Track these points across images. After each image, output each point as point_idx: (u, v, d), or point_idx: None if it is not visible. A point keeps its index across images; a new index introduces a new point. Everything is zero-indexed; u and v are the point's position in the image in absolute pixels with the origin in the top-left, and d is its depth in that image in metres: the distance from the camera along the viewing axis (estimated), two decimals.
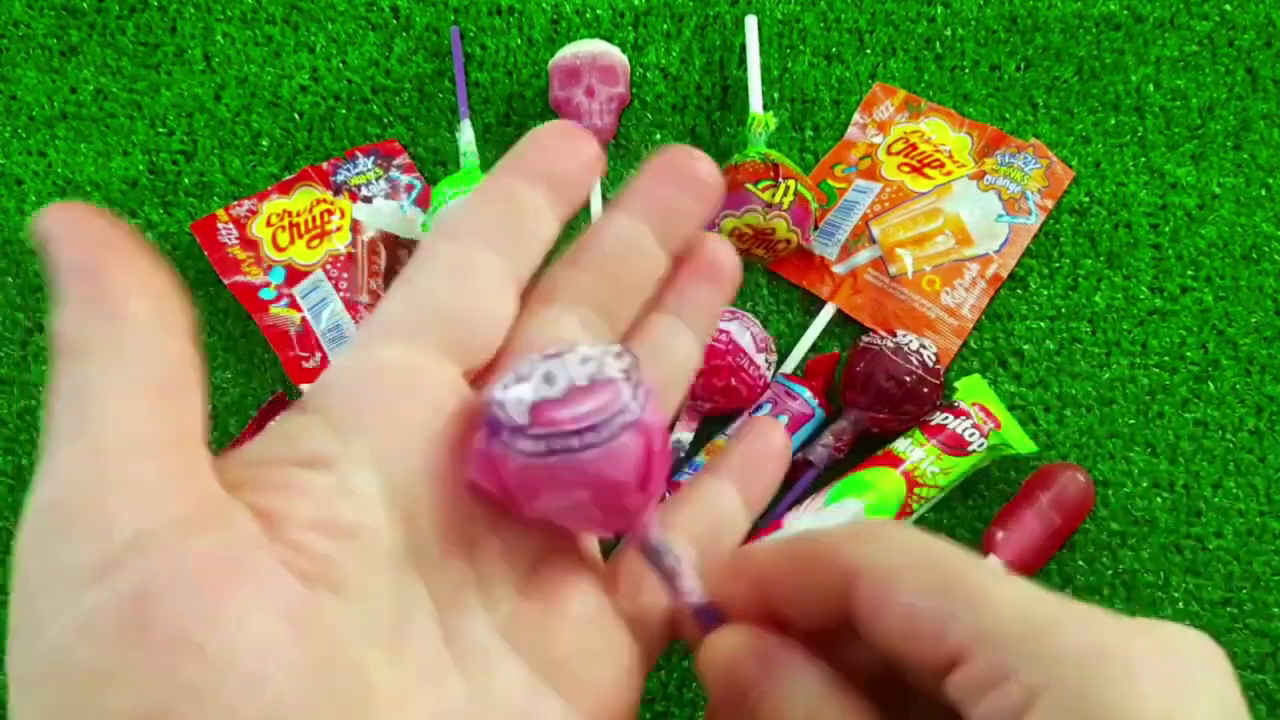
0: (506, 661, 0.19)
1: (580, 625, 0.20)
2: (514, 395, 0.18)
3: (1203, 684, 0.15)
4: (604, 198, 0.60)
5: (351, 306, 0.57)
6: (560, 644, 0.19)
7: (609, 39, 0.62)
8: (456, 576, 0.19)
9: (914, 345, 0.53)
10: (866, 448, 0.54)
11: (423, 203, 0.60)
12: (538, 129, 0.21)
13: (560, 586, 0.20)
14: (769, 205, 0.53)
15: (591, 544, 0.22)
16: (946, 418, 0.52)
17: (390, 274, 0.58)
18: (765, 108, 0.60)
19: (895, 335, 0.54)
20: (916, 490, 0.51)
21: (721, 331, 0.53)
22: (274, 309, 0.57)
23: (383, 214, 0.59)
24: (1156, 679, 0.15)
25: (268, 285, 0.58)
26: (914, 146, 0.61)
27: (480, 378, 0.20)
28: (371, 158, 0.61)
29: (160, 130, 0.62)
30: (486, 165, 0.60)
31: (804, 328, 0.57)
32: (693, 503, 0.23)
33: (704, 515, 0.22)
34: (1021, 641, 0.15)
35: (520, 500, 0.18)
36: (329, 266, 0.58)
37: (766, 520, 0.53)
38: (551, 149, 0.21)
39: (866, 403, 0.52)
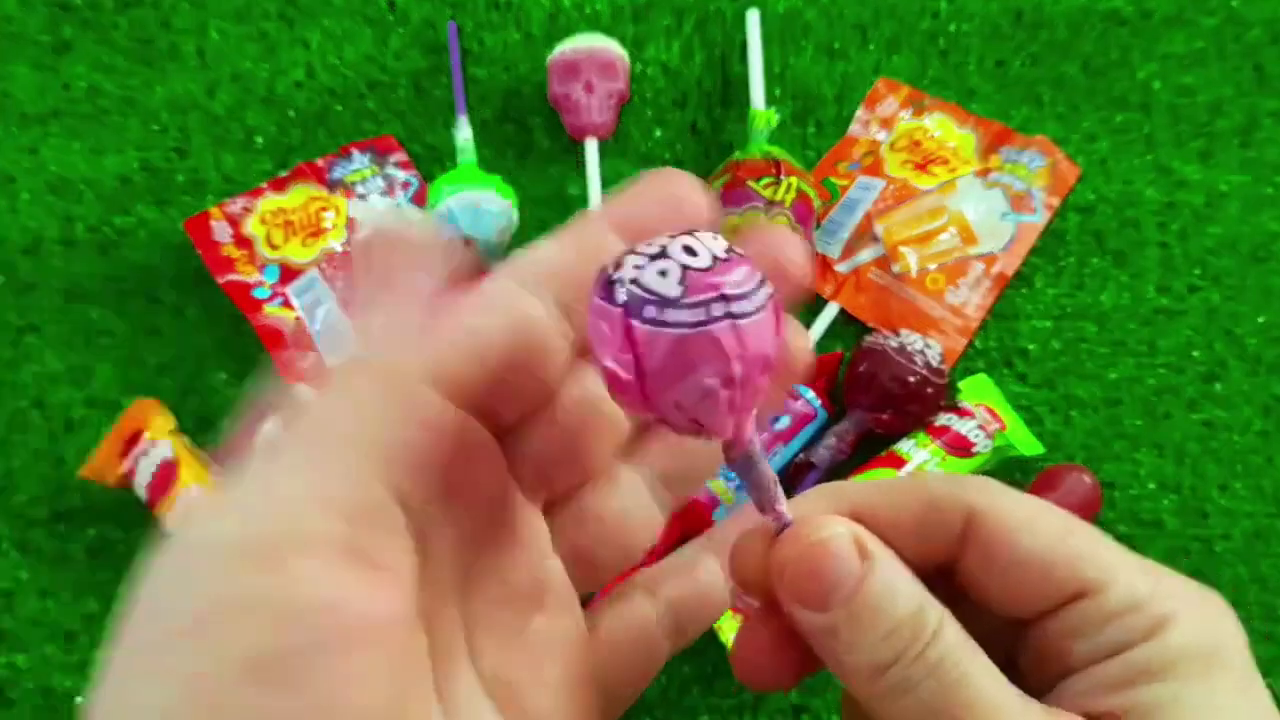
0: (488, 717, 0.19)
1: (558, 687, 0.20)
2: (654, 269, 0.16)
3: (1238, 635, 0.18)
4: (604, 195, 0.59)
5: (347, 305, 0.57)
6: (539, 704, 0.19)
7: (608, 34, 0.61)
8: (451, 625, 0.18)
9: (918, 345, 0.52)
10: (870, 449, 0.53)
11: (419, 200, 0.59)
12: (651, 175, 0.19)
13: (545, 640, 0.20)
14: (770, 203, 0.52)
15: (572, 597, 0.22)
16: (951, 418, 0.52)
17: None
18: (767, 104, 0.59)
19: (899, 335, 0.53)
20: None
21: None
22: (268, 308, 0.56)
23: (378, 211, 0.58)
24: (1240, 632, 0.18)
25: (261, 284, 0.57)
26: (918, 143, 0.60)
27: (515, 429, 0.19)
28: (367, 154, 0.60)
29: (154, 127, 0.62)
30: (484, 162, 0.60)
31: (806, 327, 0.57)
32: (678, 571, 0.23)
33: (689, 583, 0.23)
34: (1150, 578, 0.18)
35: (655, 388, 0.16)
36: (324, 265, 0.57)
37: None
38: (660, 202, 0.19)
39: (870, 403, 0.52)
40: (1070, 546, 0.18)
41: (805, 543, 0.18)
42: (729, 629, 0.47)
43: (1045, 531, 0.18)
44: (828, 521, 0.18)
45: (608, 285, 0.17)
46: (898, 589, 0.18)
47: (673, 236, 0.17)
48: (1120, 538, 0.57)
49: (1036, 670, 0.18)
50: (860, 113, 0.62)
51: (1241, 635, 0.18)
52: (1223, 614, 0.18)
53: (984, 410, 0.52)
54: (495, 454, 0.19)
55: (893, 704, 0.17)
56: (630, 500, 0.22)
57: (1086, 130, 0.61)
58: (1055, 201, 0.58)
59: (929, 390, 0.51)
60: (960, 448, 0.51)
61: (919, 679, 0.17)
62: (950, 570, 0.19)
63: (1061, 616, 0.18)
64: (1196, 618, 0.17)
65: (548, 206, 0.60)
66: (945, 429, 0.51)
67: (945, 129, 0.61)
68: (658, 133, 0.62)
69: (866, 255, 0.58)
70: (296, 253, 0.58)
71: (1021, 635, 0.19)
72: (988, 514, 0.18)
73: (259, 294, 0.56)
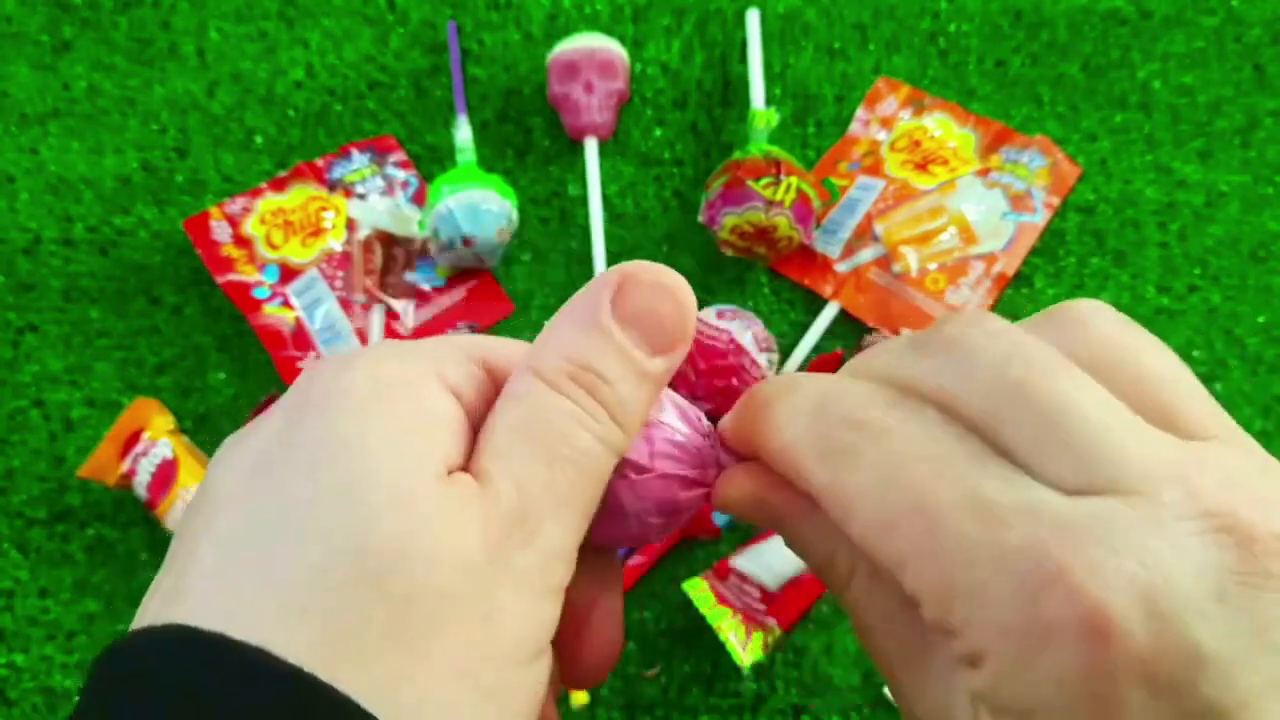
0: None
1: None
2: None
3: None
4: (603, 195, 0.59)
5: (346, 305, 0.56)
6: None
7: (608, 34, 0.61)
8: None
9: None
10: None
11: (419, 200, 0.59)
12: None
13: None
14: (770, 203, 0.52)
15: None
16: None
17: (385, 272, 0.58)
18: (767, 103, 0.59)
19: (899, 335, 0.53)
20: None
21: (722, 330, 0.52)
22: (267, 308, 0.56)
23: (378, 211, 0.58)
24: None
25: (261, 284, 0.57)
26: (918, 143, 0.60)
27: None
28: (367, 154, 0.60)
29: (153, 127, 0.62)
30: (484, 162, 0.59)
31: (806, 327, 0.57)
32: None
33: None
34: (964, 600, 0.15)
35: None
36: (324, 265, 0.57)
37: None
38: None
39: None
40: (893, 550, 0.16)
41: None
42: (728, 628, 0.47)
43: (868, 524, 0.16)
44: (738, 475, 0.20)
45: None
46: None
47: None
48: None
49: None
50: (860, 112, 0.62)
51: (1085, 683, 0.14)
52: (1052, 658, 0.14)
53: None
54: None
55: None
56: None
57: (1086, 130, 0.61)
58: (1055, 201, 0.58)
59: None
60: None
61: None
62: None
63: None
64: (1004, 666, 0.15)
65: (548, 206, 0.60)
66: None
67: (945, 129, 0.60)
68: (658, 133, 0.62)
69: (867, 255, 0.58)
70: (296, 253, 0.57)
71: None
72: (821, 498, 0.17)
73: (259, 294, 0.56)
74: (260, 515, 0.16)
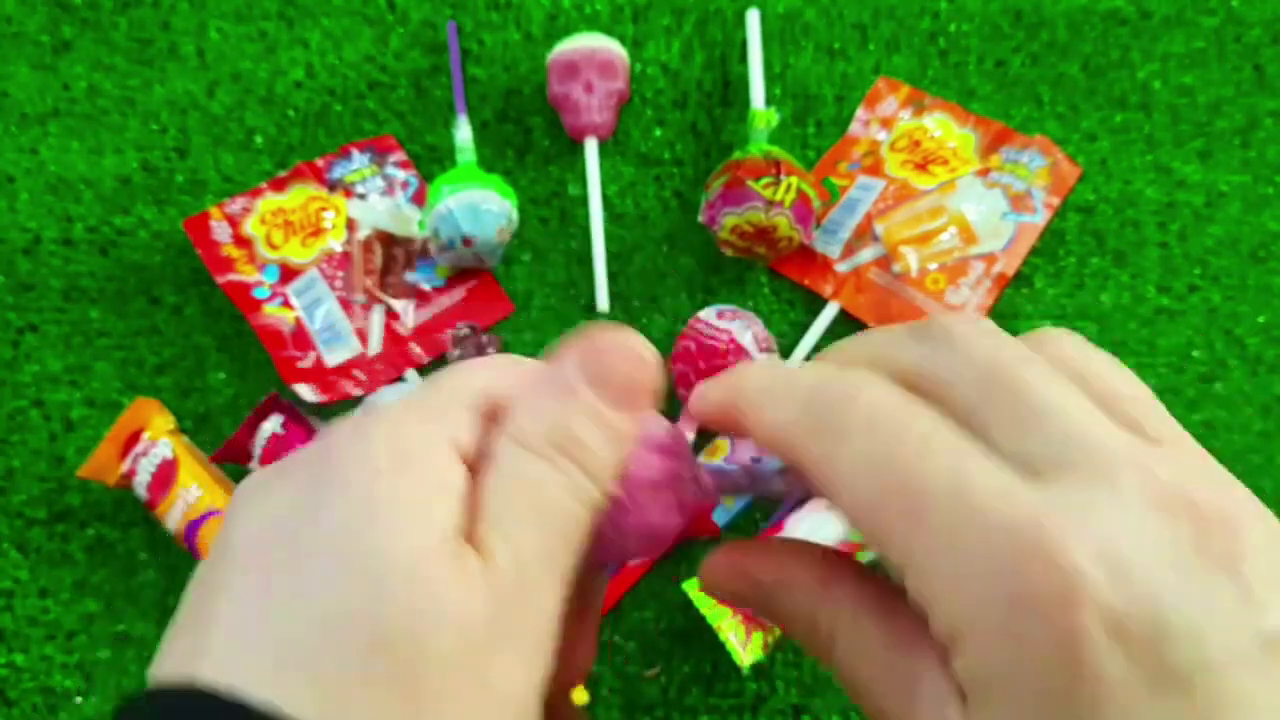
0: None
1: None
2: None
3: None
4: (603, 195, 0.59)
5: (346, 305, 0.56)
6: None
7: (608, 34, 0.61)
8: None
9: None
10: None
11: (419, 200, 0.59)
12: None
13: None
14: (770, 203, 0.52)
15: None
16: None
17: (385, 272, 0.58)
18: (767, 103, 0.59)
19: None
20: None
21: (722, 331, 0.52)
22: (267, 308, 0.56)
23: (378, 211, 0.58)
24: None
25: (261, 284, 0.57)
26: (918, 143, 0.60)
27: None
28: (367, 154, 0.60)
29: (153, 127, 0.62)
30: (484, 162, 0.59)
31: (806, 327, 0.57)
32: None
33: None
34: (948, 582, 0.16)
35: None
36: (324, 265, 0.57)
37: (770, 521, 0.52)
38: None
39: None
40: (878, 523, 0.17)
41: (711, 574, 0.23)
42: (728, 628, 0.47)
43: (856, 501, 0.18)
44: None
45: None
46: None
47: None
48: None
49: None
50: (860, 112, 0.62)
51: (1061, 648, 0.15)
52: (1029, 626, 0.15)
53: None
54: None
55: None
56: None
57: (1086, 130, 0.61)
58: (1055, 201, 0.58)
59: None
60: None
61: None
62: None
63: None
64: (985, 638, 0.16)
65: (548, 206, 0.60)
66: None
67: (945, 129, 0.60)
68: (658, 133, 0.62)
69: (866, 255, 0.58)
70: (296, 252, 0.57)
71: None
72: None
73: (259, 294, 0.56)
74: (280, 585, 0.17)
